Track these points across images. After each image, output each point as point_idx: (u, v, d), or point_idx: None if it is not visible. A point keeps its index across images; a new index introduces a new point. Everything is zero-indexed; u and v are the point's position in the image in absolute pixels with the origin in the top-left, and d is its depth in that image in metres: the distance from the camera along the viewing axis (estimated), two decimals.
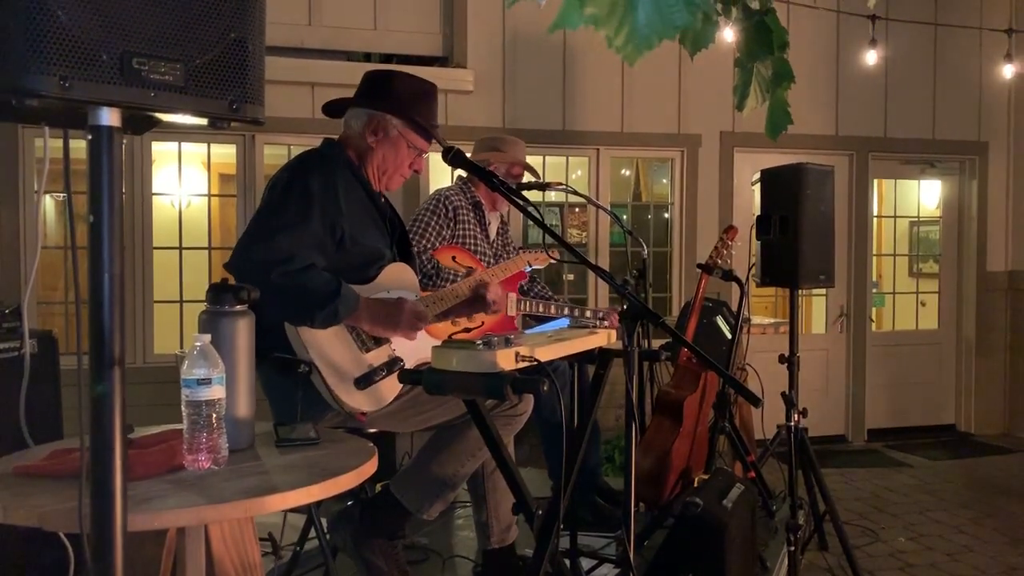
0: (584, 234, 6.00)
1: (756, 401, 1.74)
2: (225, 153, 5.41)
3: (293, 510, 2.07)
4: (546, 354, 2.05)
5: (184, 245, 5.24)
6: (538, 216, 2.11)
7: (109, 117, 1.10)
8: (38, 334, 2.87)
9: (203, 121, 1.15)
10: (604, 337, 2.41)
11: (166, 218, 5.39)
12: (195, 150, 5.47)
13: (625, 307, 2.06)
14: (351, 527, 2.48)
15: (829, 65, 6.10)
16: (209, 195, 5.50)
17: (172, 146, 5.25)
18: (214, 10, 1.09)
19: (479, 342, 1.94)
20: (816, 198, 3.52)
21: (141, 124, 1.22)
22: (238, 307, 1.71)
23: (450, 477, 2.48)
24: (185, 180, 5.45)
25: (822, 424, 6.15)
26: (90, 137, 1.10)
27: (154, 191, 5.14)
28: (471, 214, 3.41)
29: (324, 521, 2.52)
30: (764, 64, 1.57)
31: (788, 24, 5.97)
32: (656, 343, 4.02)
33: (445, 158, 2.28)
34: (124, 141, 1.14)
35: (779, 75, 1.58)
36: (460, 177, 3.67)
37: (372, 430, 2.42)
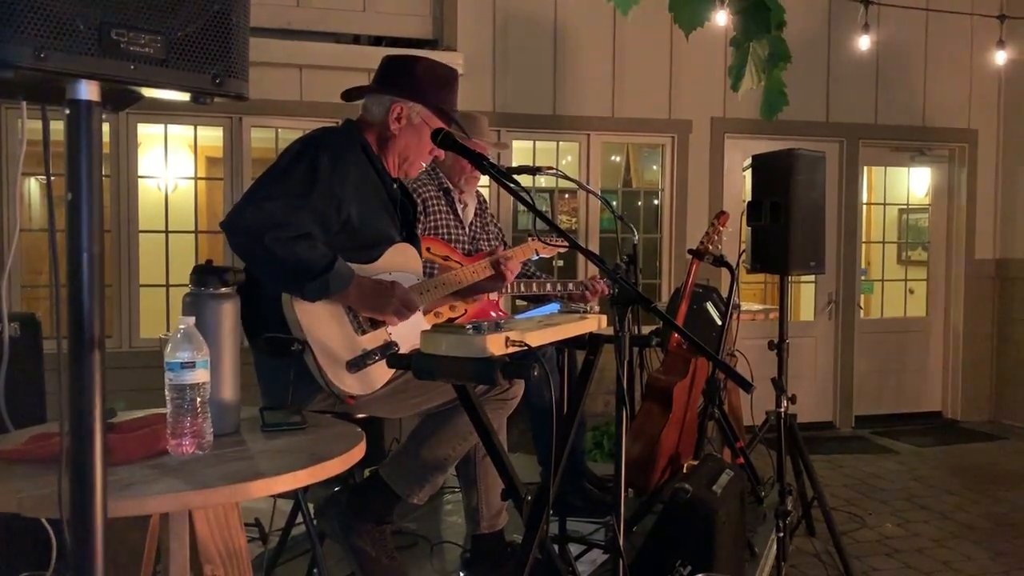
0: (574, 220, 5.97)
1: (747, 386, 1.73)
2: (212, 136, 5.35)
3: (281, 495, 2.04)
4: (536, 339, 2.02)
5: (170, 229, 5.18)
6: (529, 200, 2.09)
7: (88, 91, 1.06)
8: (21, 317, 2.82)
9: (185, 96, 1.11)
10: (594, 322, 2.39)
11: (152, 201, 5.33)
12: (182, 132, 5.40)
13: (616, 292, 2.04)
14: (339, 513, 2.46)
15: (820, 51, 6.08)
16: (196, 178, 5.44)
17: (158, 128, 5.18)
18: None
19: (469, 327, 1.92)
20: (808, 184, 3.50)
21: (121, 99, 1.18)
22: (223, 289, 1.68)
23: (440, 461, 2.46)
24: (171, 163, 5.38)
25: (810, 410, 6.17)
26: (68, 112, 1.06)
27: (140, 174, 5.08)
28: (441, 202, 3.34)
29: (311, 506, 2.49)
30: (760, 44, 1.54)
31: None
32: (645, 329, 4.01)
33: (434, 139, 2.25)
34: (104, 116, 1.10)
35: (775, 55, 1.56)
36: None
37: (361, 415, 2.40)
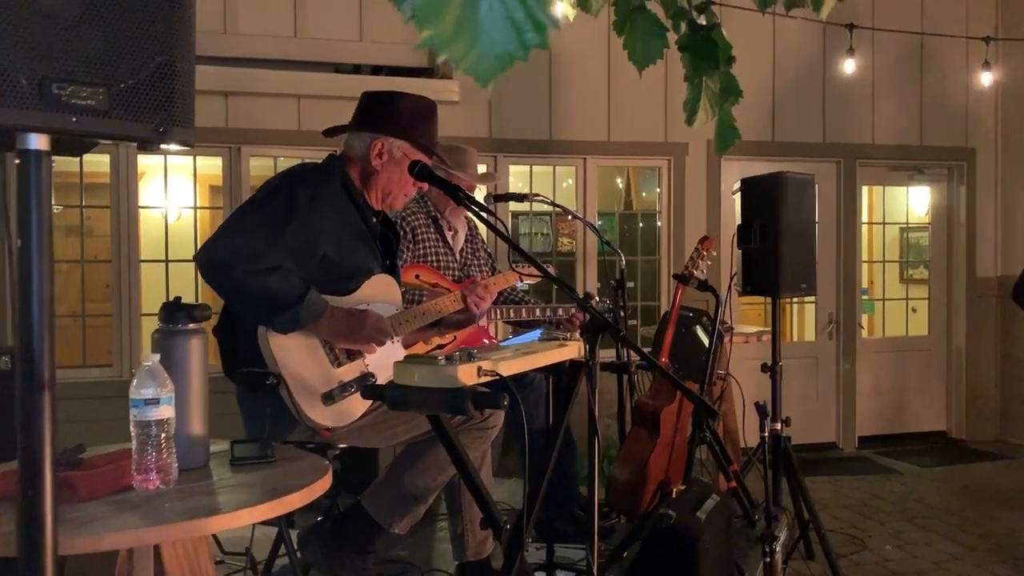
0: (573, 243, 6.00)
1: (713, 414, 1.74)
2: (213, 164, 5.41)
3: (264, 523, 2.06)
4: (509, 368, 2.04)
5: (171, 258, 5.23)
6: (504, 231, 2.12)
7: (37, 141, 1.10)
8: (11, 351, 2.87)
9: (132, 144, 1.15)
10: (573, 350, 2.40)
11: (154, 231, 5.39)
12: (182, 162, 5.47)
13: (587, 320, 2.06)
14: (322, 542, 2.48)
15: (815, 73, 6.11)
16: (196, 207, 5.50)
17: (158, 158, 5.25)
18: (139, 34, 1.08)
19: (441, 357, 1.94)
20: (796, 207, 3.51)
21: (76, 145, 1.22)
22: (191, 325, 1.71)
23: (421, 491, 2.48)
24: (173, 192, 5.44)
25: (813, 431, 6.13)
26: (17, 161, 1.10)
27: (141, 204, 5.14)
28: (430, 229, 3.36)
29: (295, 535, 2.51)
30: (712, 79, 1.57)
31: (774, 33, 6.01)
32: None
33: (411, 171, 2.29)
34: (54, 161, 1.14)
35: (726, 90, 1.59)
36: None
37: (341, 445, 2.42)
